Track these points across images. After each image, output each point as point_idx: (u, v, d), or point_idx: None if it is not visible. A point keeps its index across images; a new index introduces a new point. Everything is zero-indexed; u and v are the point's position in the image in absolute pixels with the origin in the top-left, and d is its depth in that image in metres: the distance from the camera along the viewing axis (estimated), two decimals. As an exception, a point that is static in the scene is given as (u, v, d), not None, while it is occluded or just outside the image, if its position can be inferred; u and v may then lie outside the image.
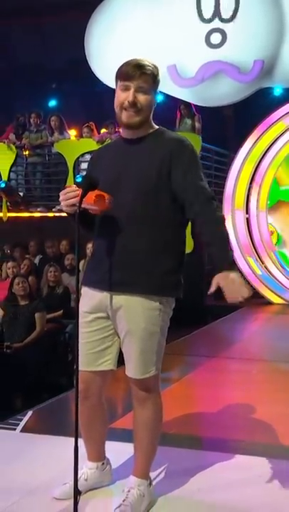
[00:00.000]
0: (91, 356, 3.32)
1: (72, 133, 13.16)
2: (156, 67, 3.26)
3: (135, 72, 3.16)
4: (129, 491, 3.28)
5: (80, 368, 3.32)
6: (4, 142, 12.78)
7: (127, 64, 3.22)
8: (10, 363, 7.21)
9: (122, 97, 3.21)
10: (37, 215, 12.31)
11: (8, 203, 12.61)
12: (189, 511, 3.33)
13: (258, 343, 8.61)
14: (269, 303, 11.45)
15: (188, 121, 12.41)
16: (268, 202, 12.37)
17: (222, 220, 3.21)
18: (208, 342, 8.37)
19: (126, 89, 3.20)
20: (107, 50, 10.08)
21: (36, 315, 7.67)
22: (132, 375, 3.27)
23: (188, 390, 5.91)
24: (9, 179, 12.87)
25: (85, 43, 10.54)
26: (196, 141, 11.75)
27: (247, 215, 12.08)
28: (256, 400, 5.38)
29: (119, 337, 3.32)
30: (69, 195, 3.13)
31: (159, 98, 14.15)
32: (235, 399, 5.63)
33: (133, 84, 3.17)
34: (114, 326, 3.30)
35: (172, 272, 3.27)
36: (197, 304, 11.28)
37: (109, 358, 3.34)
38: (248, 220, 12.04)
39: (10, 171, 12.82)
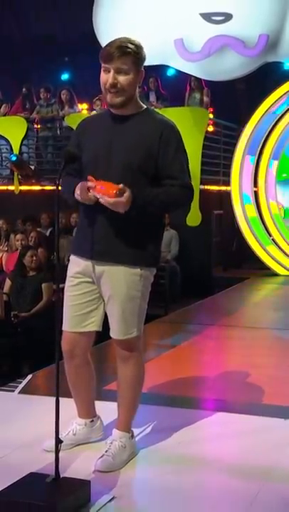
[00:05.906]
0: (77, 318, 3.55)
1: (84, 107, 13.32)
2: (139, 46, 3.37)
3: (114, 54, 3.29)
4: (111, 443, 3.53)
5: (65, 329, 3.57)
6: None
7: (108, 45, 3.35)
8: (17, 332, 7.43)
9: (104, 78, 3.36)
10: (48, 188, 12.46)
11: (20, 176, 12.81)
12: (169, 462, 3.56)
13: (259, 312, 8.78)
14: (275, 274, 11.61)
15: (197, 96, 12.50)
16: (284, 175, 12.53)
17: (180, 200, 3.48)
18: (209, 311, 8.56)
19: (107, 71, 3.34)
20: (114, 24, 10.14)
21: (43, 285, 7.88)
22: (115, 336, 3.51)
23: (182, 355, 6.12)
24: (20, 152, 13.06)
25: (93, 17, 10.60)
26: (203, 115, 11.87)
27: (255, 189, 12.20)
28: (248, 364, 5.58)
29: (104, 300, 3.54)
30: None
31: (170, 72, 14.30)
32: (226, 363, 5.86)
33: (112, 66, 3.31)
34: (98, 290, 3.53)
35: (154, 244, 3.52)
36: (205, 275, 11.50)
37: (94, 320, 3.57)
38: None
39: (21, 144, 13.00)
